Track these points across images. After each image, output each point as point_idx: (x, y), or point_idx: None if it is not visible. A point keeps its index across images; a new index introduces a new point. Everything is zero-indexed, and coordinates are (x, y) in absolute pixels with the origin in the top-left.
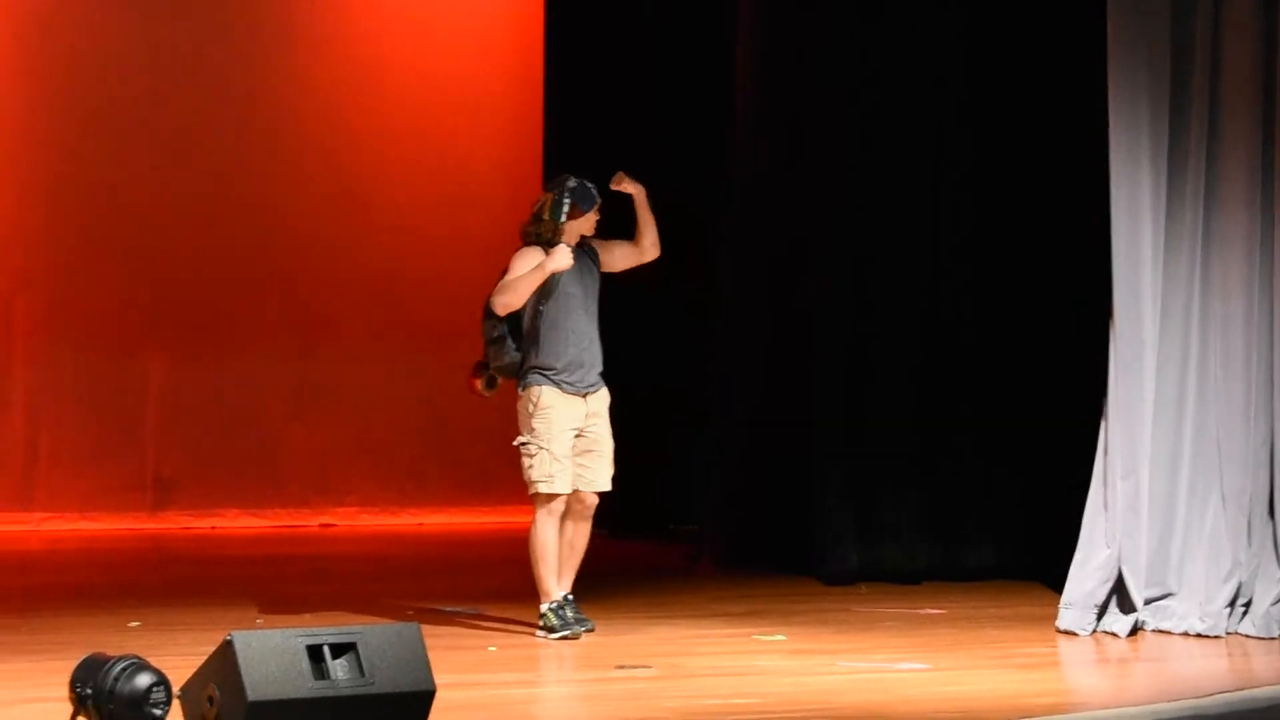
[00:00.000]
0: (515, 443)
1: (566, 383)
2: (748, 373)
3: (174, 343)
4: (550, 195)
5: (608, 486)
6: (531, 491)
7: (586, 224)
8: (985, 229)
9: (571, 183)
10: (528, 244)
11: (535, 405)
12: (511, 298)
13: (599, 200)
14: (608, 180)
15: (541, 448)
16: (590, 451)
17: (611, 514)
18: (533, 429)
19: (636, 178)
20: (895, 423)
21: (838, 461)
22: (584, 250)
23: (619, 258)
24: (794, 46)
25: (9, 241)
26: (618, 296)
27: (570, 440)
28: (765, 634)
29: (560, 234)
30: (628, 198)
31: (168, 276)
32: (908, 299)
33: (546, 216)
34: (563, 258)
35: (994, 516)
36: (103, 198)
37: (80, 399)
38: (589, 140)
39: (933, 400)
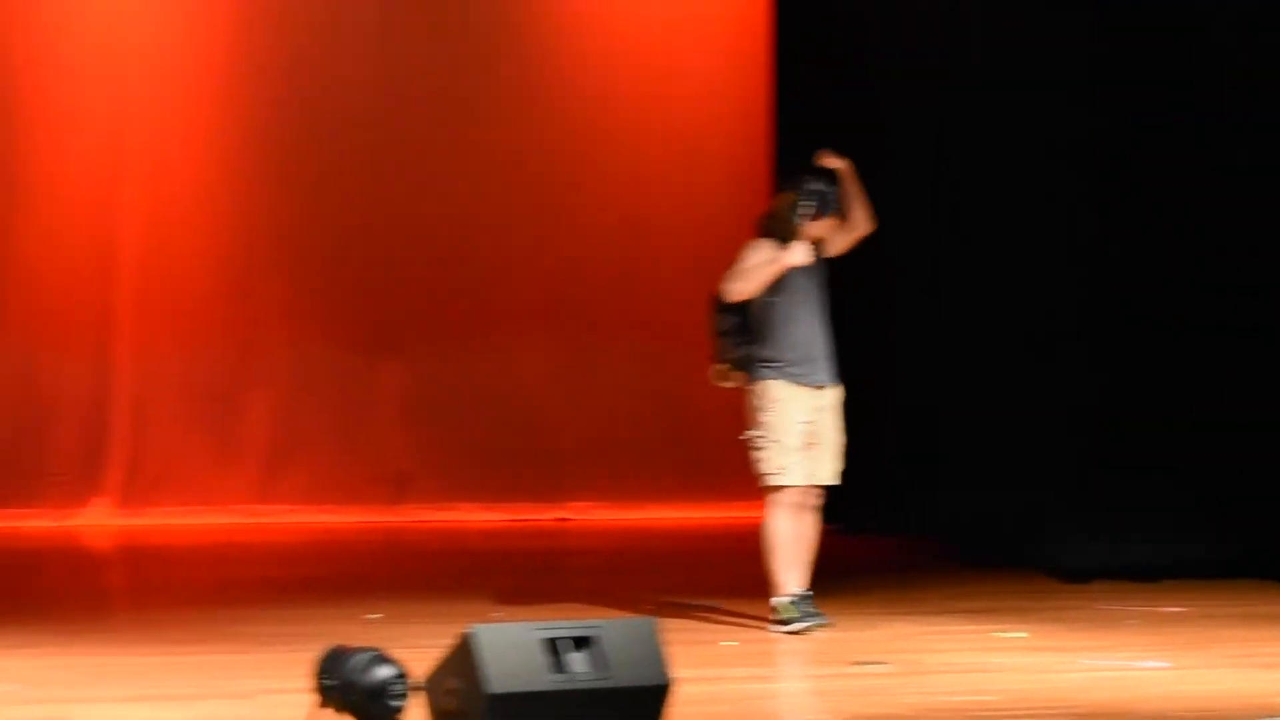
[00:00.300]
0: (744, 436)
1: (796, 375)
2: (980, 368)
3: (414, 338)
4: (791, 196)
5: (832, 480)
6: (764, 484)
7: (823, 228)
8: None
9: (814, 185)
10: (763, 237)
11: (765, 398)
12: (745, 285)
13: (839, 207)
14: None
15: (773, 440)
16: (816, 445)
17: (846, 510)
18: (763, 422)
19: (862, 167)
20: (1133, 419)
21: (1075, 458)
22: (813, 246)
23: (836, 240)
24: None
25: (252, 236)
26: (856, 291)
27: (801, 432)
28: (1006, 630)
29: (796, 234)
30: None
31: (408, 273)
32: (1144, 294)
33: (785, 215)
34: (799, 253)
35: (1233, 514)
36: (346, 193)
37: (321, 393)
38: (820, 128)
39: (1171, 398)
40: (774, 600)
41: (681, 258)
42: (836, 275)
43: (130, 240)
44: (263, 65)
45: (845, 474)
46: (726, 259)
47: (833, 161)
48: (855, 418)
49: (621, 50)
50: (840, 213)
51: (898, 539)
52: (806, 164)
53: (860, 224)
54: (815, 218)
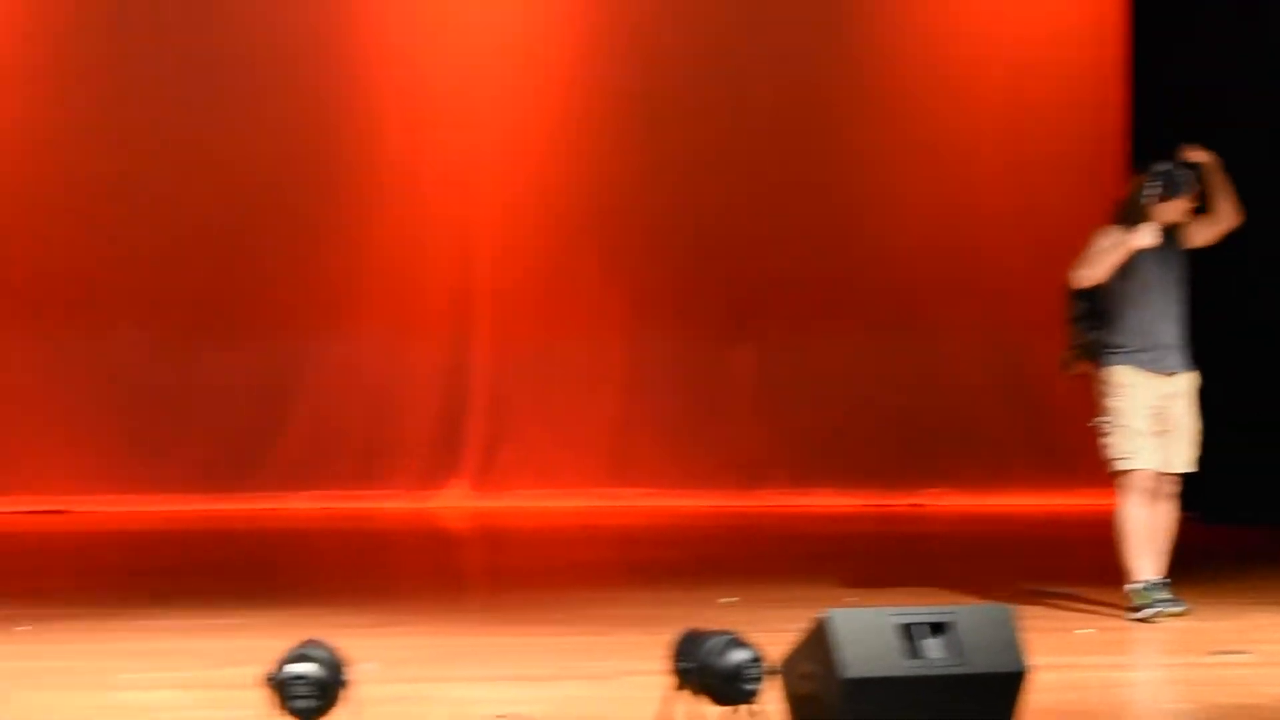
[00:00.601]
0: (1093, 422)
1: (1145, 361)
2: None
3: (766, 325)
4: (1142, 178)
5: (1186, 468)
6: (1113, 470)
7: (1176, 210)
8: None
9: (1163, 167)
10: (1116, 223)
11: (1113, 384)
12: (1090, 270)
13: (1192, 189)
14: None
15: (1120, 426)
16: (1167, 432)
17: (1205, 498)
18: (1111, 408)
19: (1227, 156)
20: None
21: None
22: (1168, 232)
23: (1198, 231)
24: None
25: (605, 225)
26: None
27: (1149, 418)
28: None
29: (1144, 217)
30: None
31: (760, 260)
32: None
33: (1134, 199)
34: (1144, 235)
35: None
36: (698, 184)
37: (673, 378)
38: (1178, 115)
39: None
40: (1127, 587)
41: (1037, 245)
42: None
43: (486, 230)
44: (616, 57)
45: (1203, 462)
46: (1083, 245)
47: (1197, 155)
48: (1214, 405)
49: (973, 37)
50: (1195, 197)
51: (1258, 528)
52: (1170, 156)
53: (1225, 217)
54: (1162, 199)
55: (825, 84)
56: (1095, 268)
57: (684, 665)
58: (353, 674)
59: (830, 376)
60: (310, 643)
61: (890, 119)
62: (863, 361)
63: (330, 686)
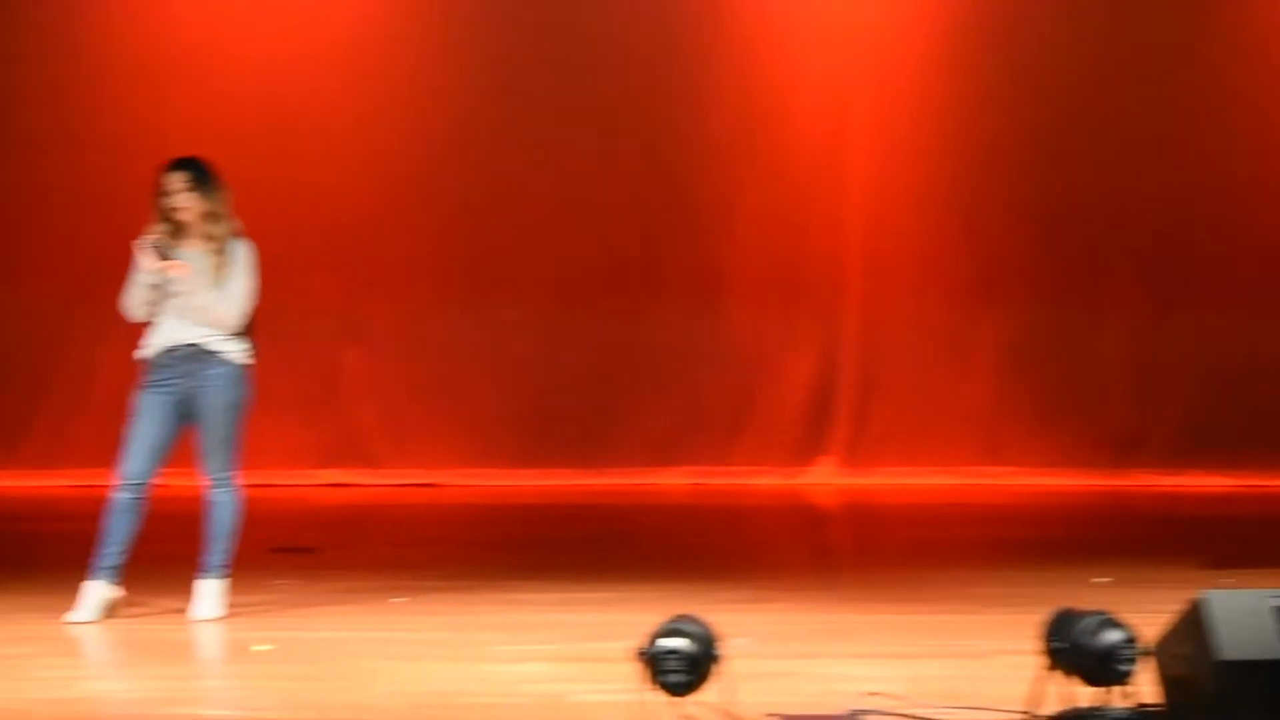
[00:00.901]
0: None
1: None
2: None
3: (1139, 299)
4: None
5: None
6: None
7: None
8: None
9: None
10: None
11: None
12: None
13: None
14: None
15: None
16: None
17: None
18: None
19: None
20: None
21: None
22: None
23: None
24: None
25: (973, 202)
26: None
27: None
28: None
29: None
30: None
31: (1124, 235)
32: None
33: None
34: None
35: None
36: (1046, 159)
37: (1045, 353)
38: None
39: None
40: None
41: None
42: None
43: (857, 206)
44: (980, 33)
45: None
46: None
47: None
48: None
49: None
50: None
51: None
52: None
53: None
54: None
55: (1191, 61)
56: None
57: (1056, 645)
58: (725, 649)
59: (1203, 354)
60: (682, 617)
61: (1244, 99)
62: (1236, 338)
63: (702, 661)
